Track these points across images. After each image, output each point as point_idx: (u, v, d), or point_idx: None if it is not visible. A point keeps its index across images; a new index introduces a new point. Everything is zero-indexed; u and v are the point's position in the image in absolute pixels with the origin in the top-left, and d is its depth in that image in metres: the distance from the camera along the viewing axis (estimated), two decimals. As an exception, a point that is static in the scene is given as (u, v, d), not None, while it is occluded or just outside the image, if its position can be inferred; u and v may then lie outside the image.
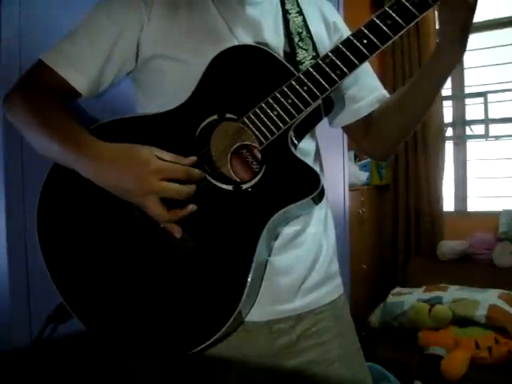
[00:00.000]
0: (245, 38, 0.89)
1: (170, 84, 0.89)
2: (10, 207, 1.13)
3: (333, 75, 0.80)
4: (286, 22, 0.93)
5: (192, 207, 0.80)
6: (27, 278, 1.12)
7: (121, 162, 0.79)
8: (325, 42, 0.97)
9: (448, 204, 3.44)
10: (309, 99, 0.80)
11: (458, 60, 0.85)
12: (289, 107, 0.81)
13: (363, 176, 3.19)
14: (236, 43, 0.87)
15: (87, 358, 1.14)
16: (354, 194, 2.88)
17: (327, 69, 0.80)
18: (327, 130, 1.06)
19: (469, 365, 2.25)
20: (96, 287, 0.84)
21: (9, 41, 1.14)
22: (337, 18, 1.03)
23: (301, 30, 0.93)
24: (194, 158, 0.81)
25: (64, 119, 0.84)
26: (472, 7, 0.77)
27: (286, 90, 0.81)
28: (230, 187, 0.82)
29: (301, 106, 0.81)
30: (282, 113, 0.81)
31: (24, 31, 1.16)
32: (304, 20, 0.94)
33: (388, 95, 1.03)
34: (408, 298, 2.64)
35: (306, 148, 0.93)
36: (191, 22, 0.88)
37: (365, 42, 0.78)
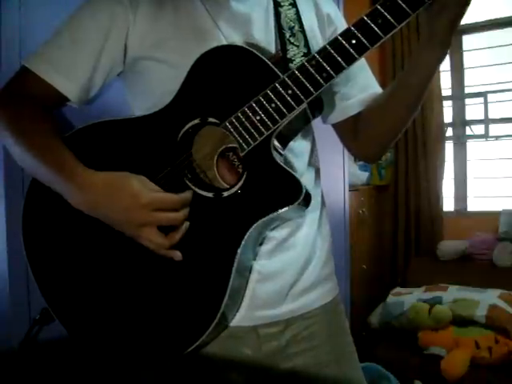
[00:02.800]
0: (233, 36, 0.86)
1: (157, 86, 0.86)
2: (10, 208, 1.13)
3: (318, 78, 0.76)
4: (278, 15, 0.89)
5: (186, 225, 0.78)
6: (27, 277, 1.12)
7: (110, 195, 0.77)
8: (317, 37, 0.93)
9: (448, 204, 3.44)
10: (293, 104, 0.77)
11: (441, 60, 0.80)
12: (272, 112, 0.77)
13: (363, 176, 3.19)
14: (224, 42, 0.84)
15: (77, 360, 1.14)
16: (353, 194, 2.88)
17: (313, 71, 0.76)
18: (327, 129, 1.05)
19: (469, 365, 2.25)
20: (80, 292, 0.84)
21: (9, 41, 1.14)
22: (331, 9, 0.98)
23: (293, 24, 0.88)
24: (184, 194, 0.79)
25: (50, 141, 0.82)
26: (464, 4, 0.73)
27: (269, 93, 0.77)
28: (210, 194, 0.80)
29: (284, 110, 0.77)
30: (264, 118, 0.78)
31: (24, 31, 1.16)
32: (297, 13, 0.90)
33: (380, 91, 0.98)
34: (408, 298, 2.63)
35: (299, 148, 0.91)
36: (177, 21, 0.85)
37: (353, 42, 0.74)
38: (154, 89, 0.87)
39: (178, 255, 0.78)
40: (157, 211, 0.76)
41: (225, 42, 0.84)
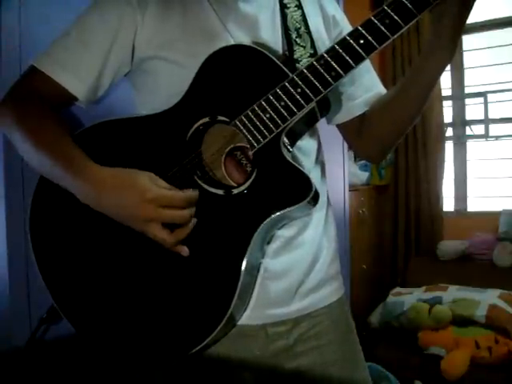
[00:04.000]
0: (240, 37, 0.86)
1: (165, 85, 0.87)
2: (10, 208, 1.13)
3: (327, 77, 0.77)
4: (284, 17, 0.90)
5: (193, 222, 0.78)
6: (27, 277, 1.12)
7: (118, 190, 0.77)
8: (323, 38, 0.94)
9: (448, 204, 3.44)
10: (302, 102, 0.78)
11: (451, 58, 0.81)
12: (282, 110, 0.78)
13: (363, 176, 3.19)
14: (231, 42, 0.85)
15: (83, 359, 1.14)
16: (354, 194, 2.88)
17: (322, 70, 0.77)
18: (327, 129, 1.05)
19: (469, 365, 2.25)
20: (88, 291, 0.84)
21: (9, 41, 1.14)
22: (336, 11, 0.99)
23: (299, 26, 0.89)
24: (190, 191, 0.79)
25: (59, 138, 0.82)
26: (468, 5, 0.75)
27: (279, 91, 0.79)
28: (220, 192, 0.80)
29: (294, 108, 0.78)
30: (274, 116, 0.79)
31: (24, 31, 1.16)
32: (303, 14, 0.91)
33: (384, 91, 0.99)
34: (408, 298, 2.63)
35: (306, 147, 0.91)
36: (185, 22, 0.86)
37: (361, 42, 0.75)
38: (162, 89, 0.87)
39: (185, 250, 0.78)
40: (163, 208, 0.76)
41: (233, 43, 0.85)
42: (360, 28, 0.76)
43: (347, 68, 0.77)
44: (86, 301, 0.84)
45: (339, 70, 0.77)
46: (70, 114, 0.93)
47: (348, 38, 0.76)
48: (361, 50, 0.76)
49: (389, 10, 0.74)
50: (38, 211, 0.87)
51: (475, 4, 0.75)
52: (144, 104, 0.91)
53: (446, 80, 3.35)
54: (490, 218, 3.11)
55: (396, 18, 0.74)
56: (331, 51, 0.77)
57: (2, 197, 1.14)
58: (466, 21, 0.77)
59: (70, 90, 0.85)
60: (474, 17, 3.17)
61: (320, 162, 0.97)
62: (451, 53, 0.80)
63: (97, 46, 0.85)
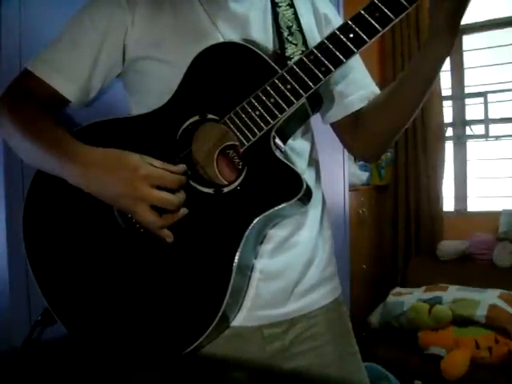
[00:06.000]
0: (231, 35, 0.86)
1: (156, 85, 0.87)
2: (10, 208, 1.13)
3: (317, 72, 0.76)
4: (276, 15, 0.90)
5: (183, 211, 0.78)
6: (27, 278, 1.12)
7: (109, 168, 0.77)
8: (315, 36, 0.93)
9: (448, 204, 3.44)
10: (292, 98, 0.77)
11: (448, 52, 0.79)
12: (271, 107, 0.77)
13: (363, 176, 3.20)
14: (221, 41, 0.84)
15: (79, 360, 1.13)
16: (354, 194, 2.88)
17: (311, 66, 0.76)
18: (327, 130, 1.05)
19: (469, 365, 2.25)
20: (80, 292, 0.84)
21: (9, 41, 1.14)
22: (329, 9, 0.99)
23: (291, 24, 0.89)
24: (183, 166, 0.79)
25: (50, 128, 0.83)
26: None
27: (268, 88, 0.78)
28: (210, 190, 0.80)
29: (284, 105, 0.77)
30: (264, 113, 0.78)
31: (24, 31, 1.16)
32: (295, 13, 0.91)
33: (378, 91, 0.98)
34: (408, 298, 2.63)
35: (299, 147, 0.91)
36: (175, 22, 0.86)
37: (351, 36, 0.74)
38: (154, 89, 0.87)
39: (170, 236, 0.78)
40: (154, 189, 0.75)
41: (222, 40, 0.85)
42: (350, 22, 0.75)
43: (337, 63, 0.76)
44: (78, 302, 0.84)
45: (329, 65, 0.76)
46: (66, 116, 0.94)
47: (337, 32, 0.75)
48: (351, 44, 0.75)
49: (379, 4, 0.73)
50: (31, 213, 0.88)
51: (473, 3, 0.74)
52: (137, 104, 0.91)
53: (446, 80, 3.35)
54: (490, 217, 3.12)
55: (386, 10, 0.73)
56: (321, 46, 0.77)
57: (2, 197, 1.14)
58: (464, 11, 0.75)
59: (60, 91, 0.86)
60: (474, 17, 3.18)
61: (314, 162, 0.97)
62: (449, 44, 0.78)
63: (87, 46, 0.86)
